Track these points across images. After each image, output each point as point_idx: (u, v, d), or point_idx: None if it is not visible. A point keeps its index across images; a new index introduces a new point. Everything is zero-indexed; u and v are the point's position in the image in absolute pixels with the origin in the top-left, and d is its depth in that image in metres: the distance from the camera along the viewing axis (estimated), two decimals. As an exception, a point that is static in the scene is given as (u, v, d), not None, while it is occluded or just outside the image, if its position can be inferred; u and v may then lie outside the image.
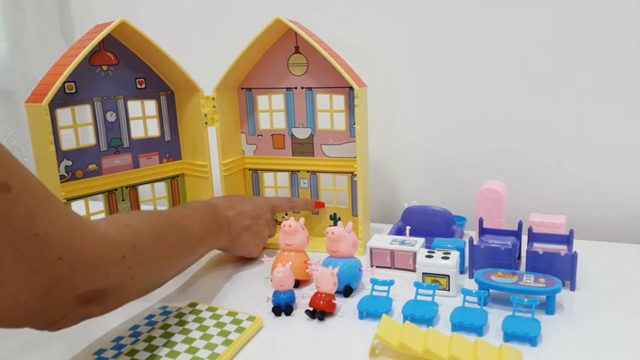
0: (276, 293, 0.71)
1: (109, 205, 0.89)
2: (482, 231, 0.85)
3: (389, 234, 0.92)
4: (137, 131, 0.92)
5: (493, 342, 0.59)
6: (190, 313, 0.69)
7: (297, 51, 0.93)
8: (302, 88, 0.94)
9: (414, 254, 0.81)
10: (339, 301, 0.71)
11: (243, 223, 0.82)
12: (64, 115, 0.82)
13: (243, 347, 0.63)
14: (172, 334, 0.64)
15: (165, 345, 0.62)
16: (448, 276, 0.73)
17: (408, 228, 0.89)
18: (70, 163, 0.84)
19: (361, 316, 0.69)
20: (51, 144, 0.76)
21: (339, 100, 0.92)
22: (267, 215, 0.88)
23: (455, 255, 0.75)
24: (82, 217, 0.50)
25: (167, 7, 1.24)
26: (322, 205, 0.97)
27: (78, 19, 1.36)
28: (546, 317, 0.67)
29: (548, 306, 0.68)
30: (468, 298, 0.68)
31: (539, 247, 0.79)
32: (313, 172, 0.98)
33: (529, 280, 0.69)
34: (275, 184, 1.02)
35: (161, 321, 0.68)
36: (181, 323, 0.67)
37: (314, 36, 0.88)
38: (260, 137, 1.00)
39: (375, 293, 0.72)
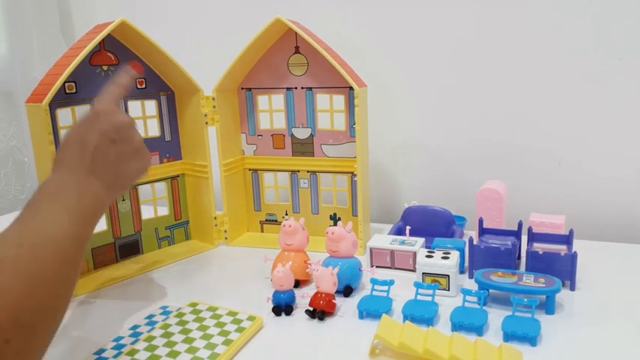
0: (276, 293, 0.71)
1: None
2: (482, 231, 0.85)
3: (389, 234, 0.92)
4: (137, 131, 0.92)
5: (493, 342, 0.59)
6: (190, 312, 0.69)
7: (297, 51, 0.93)
8: (302, 88, 0.94)
9: (414, 254, 0.81)
10: (339, 301, 0.71)
11: (109, 158, 0.60)
12: (64, 115, 0.82)
13: (243, 347, 0.63)
14: (172, 334, 0.64)
15: (165, 345, 0.62)
16: (448, 276, 0.73)
17: (408, 228, 0.89)
18: (70, 163, 0.84)
19: (361, 316, 0.69)
20: (51, 144, 0.76)
21: (339, 100, 0.92)
22: (122, 118, 0.64)
23: (455, 255, 0.75)
24: None
25: (167, 7, 1.24)
26: (137, 67, 0.74)
27: (78, 19, 1.36)
28: (546, 317, 0.67)
29: (548, 306, 0.68)
30: (467, 298, 0.68)
31: (539, 247, 0.79)
32: (313, 172, 0.98)
33: (529, 280, 0.69)
34: (275, 184, 1.02)
35: (161, 321, 0.68)
36: (181, 323, 0.67)
37: (314, 36, 0.88)
38: (260, 137, 1.00)
39: (375, 293, 0.72)
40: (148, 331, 0.65)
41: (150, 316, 0.70)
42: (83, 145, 0.59)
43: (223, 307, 0.70)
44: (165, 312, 0.71)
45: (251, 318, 0.67)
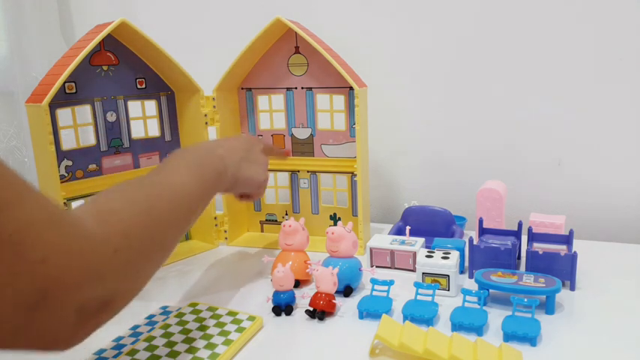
0: (276, 293, 0.71)
1: (109, 205, 0.89)
2: (482, 231, 0.85)
3: (389, 234, 0.92)
4: (137, 131, 0.92)
5: (493, 342, 0.59)
6: (190, 313, 0.69)
7: (297, 51, 0.93)
8: (302, 88, 0.94)
9: (414, 254, 0.81)
10: (339, 301, 0.71)
11: (237, 156, 0.72)
12: (64, 115, 0.82)
13: (243, 347, 0.63)
14: (172, 334, 0.64)
15: (165, 345, 0.62)
16: (448, 276, 0.73)
17: (408, 228, 0.89)
18: (70, 163, 0.84)
19: (361, 316, 0.69)
20: (51, 144, 0.76)
21: (339, 100, 0.92)
22: (259, 145, 0.79)
23: (455, 255, 0.75)
24: (64, 211, 0.43)
25: (167, 7, 1.24)
26: (288, 153, 0.94)
27: (78, 19, 1.36)
28: (546, 317, 0.67)
29: (548, 306, 0.68)
30: (467, 298, 0.68)
31: (539, 247, 0.79)
32: (313, 172, 0.98)
33: (529, 280, 0.69)
34: (275, 184, 1.02)
35: (161, 321, 0.68)
36: (181, 323, 0.67)
37: (314, 36, 0.88)
38: (260, 137, 1.00)
39: (375, 293, 0.72)
40: (148, 331, 0.65)
41: (150, 316, 0.70)
42: (221, 142, 0.73)
43: (223, 307, 0.70)
44: (166, 312, 0.71)
45: (251, 318, 0.67)
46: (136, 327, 0.67)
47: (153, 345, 0.62)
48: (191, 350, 0.61)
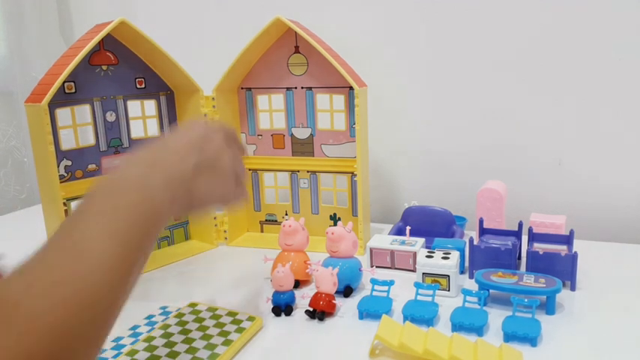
0: (276, 293, 0.71)
1: (108, 205, 0.89)
2: (483, 231, 0.85)
3: (389, 234, 0.92)
4: (137, 131, 0.92)
5: (493, 342, 0.59)
6: (190, 313, 0.69)
7: (297, 51, 0.93)
8: (302, 88, 0.94)
9: (414, 254, 0.81)
10: (339, 301, 0.71)
11: (185, 166, 0.49)
12: (63, 115, 0.82)
13: (243, 347, 0.63)
14: (172, 334, 0.64)
15: (165, 345, 0.62)
16: (448, 276, 0.73)
17: (408, 228, 0.89)
18: (69, 163, 0.84)
19: (361, 316, 0.69)
20: (50, 144, 0.76)
21: (339, 100, 0.92)
22: (217, 135, 0.55)
23: (455, 255, 0.75)
24: None
25: (167, 7, 1.24)
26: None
27: (78, 19, 1.36)
28: (546, 317, 0.67)
29: (549, 306, 0.68)
30: (468, 298, 0.68)
31: (540, 247, 0.79)
32: (313, 172, 0.98)
33: (529, 281, 0.69)
34: (275, 184, 1.02)
35: (161, 321, 0.68)
36: (181, 323, 0.67)
37: (314, 36, 0.88)
38: (260, 137, 1.00)
39: (375, 293, 0.72)
40: (148, 332, 0.65)
41: (149, 317, 0.70)
42: (164, 144, 0.51)
43: (223, 308, 0.70)
44: (165, 312, 0.71)
45: (251, 318, 0.67)
46: (135, 327, 0.67)
47: (152, 345, 0.62)
48: (191, 350, 0.61)
